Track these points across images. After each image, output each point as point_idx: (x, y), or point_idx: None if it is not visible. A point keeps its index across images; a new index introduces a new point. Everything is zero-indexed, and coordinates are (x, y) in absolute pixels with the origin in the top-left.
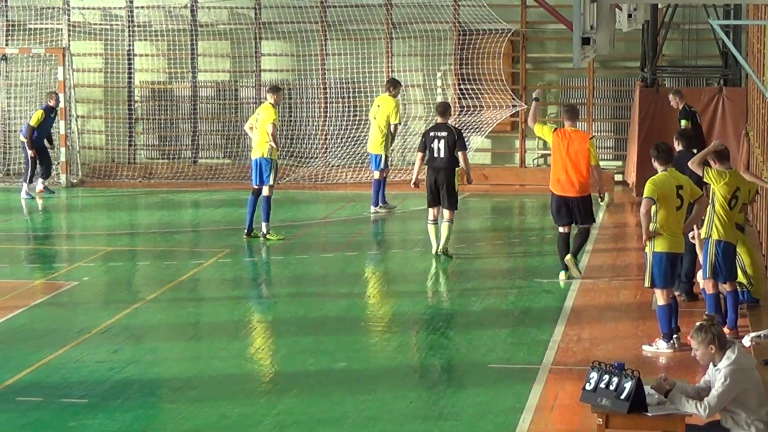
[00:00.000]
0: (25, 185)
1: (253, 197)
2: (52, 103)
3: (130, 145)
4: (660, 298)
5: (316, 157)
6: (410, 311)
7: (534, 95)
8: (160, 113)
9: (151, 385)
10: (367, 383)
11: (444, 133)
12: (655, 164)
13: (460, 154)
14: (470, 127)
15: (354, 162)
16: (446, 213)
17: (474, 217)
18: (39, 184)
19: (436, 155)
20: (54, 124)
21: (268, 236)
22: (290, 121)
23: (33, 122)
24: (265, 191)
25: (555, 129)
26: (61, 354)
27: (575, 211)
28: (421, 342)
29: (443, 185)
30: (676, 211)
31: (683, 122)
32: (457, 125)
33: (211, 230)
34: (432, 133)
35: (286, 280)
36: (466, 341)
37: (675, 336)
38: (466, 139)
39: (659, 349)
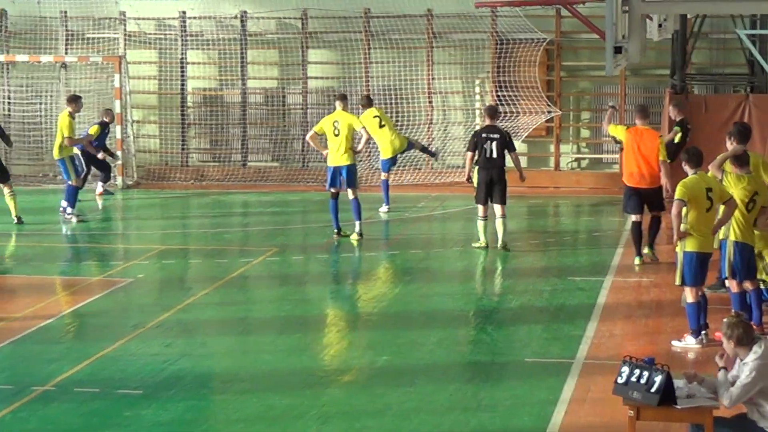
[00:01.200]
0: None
1: (333, 201)
2: (107, 119)
3: (183, 149)
4: (689, 295)
5: (361, 161)
6: (450, 308)
7: (611, 104)
8: (212, 119)
9: (202, 377)
10: (409, 376)
11: (496, 135)
12: (686, 167)
13: (512, 155)
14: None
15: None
16: (499, 209)
17: (510, 218)
18: (98, 186)
19: (489, 155)
20: (109, 134)
21: (360, 235)
22: None
23: (92, 132)
24: (351, 194)
25: (627, 127)
26: (117, 347)
27: (647, 200)
28: (460, 337)
29: (498, 182)
30: (705, 212)
31: (676, 128)
32: None
33: (260, 230)
34: (484, 135)
35: (331, 277)
36: (503, 336)
37: (703, 332)
38: None
39: (688, 344)
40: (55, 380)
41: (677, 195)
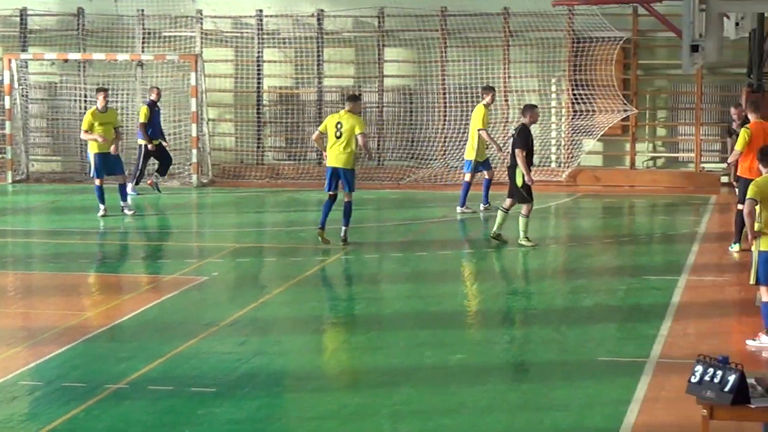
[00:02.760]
0: (130, 184)
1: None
2: (153, 97)
3: (258, 147)
4: (764, 294)
5: (435, 159)
6: (523, 306)
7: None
8: (287, 117)
9: (276, 375)
10: (482, 375)
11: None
12: (760, 166)
13: (517, 150)
14: (583, 130)
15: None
16: (523, 208)
17: (585, 217)
18: (153, 177)
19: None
20: (161, 112)
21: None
22: (411, 124)
23: (142, 119)
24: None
25: (746, 126)
26: (190, 345)
27: None
28: (533, 336)
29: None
30: None
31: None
32: (569, 128)
33: (335, 228)
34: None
35: (405, 276)
36: (576, 336)
37: None
38: (580, 142)
39: (762, 343)
40: (128, 378)
41: (749, 194)
